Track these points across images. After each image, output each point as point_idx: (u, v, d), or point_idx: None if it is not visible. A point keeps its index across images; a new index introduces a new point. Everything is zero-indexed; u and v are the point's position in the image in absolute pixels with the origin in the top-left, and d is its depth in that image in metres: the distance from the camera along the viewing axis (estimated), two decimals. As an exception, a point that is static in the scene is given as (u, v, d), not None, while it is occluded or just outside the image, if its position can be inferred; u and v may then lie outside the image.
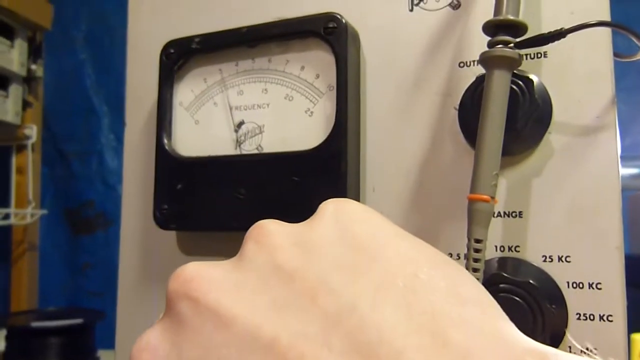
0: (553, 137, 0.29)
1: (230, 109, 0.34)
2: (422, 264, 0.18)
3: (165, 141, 0.36)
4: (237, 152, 0.35)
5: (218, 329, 0.17)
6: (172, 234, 0.38)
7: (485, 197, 0.25)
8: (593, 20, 0.26)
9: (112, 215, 1.24)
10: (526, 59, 0.29)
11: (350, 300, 0.16)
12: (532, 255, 0.28)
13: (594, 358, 0.19)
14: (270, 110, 0.34)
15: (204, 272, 0.19)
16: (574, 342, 0.26)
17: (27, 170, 1.02)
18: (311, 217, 0.20)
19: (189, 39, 0.36)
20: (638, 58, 0.28)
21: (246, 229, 0.34)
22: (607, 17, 0.27)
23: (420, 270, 0.17)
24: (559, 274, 0.28)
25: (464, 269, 0.19)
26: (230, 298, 0.18)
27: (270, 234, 0.20)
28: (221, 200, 0.34)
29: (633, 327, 0.27)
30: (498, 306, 0.17)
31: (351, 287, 0.17)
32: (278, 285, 0.18)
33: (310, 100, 0.33)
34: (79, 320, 0.88)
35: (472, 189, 0.25)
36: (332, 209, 0.20)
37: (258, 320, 0.17)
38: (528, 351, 0.15)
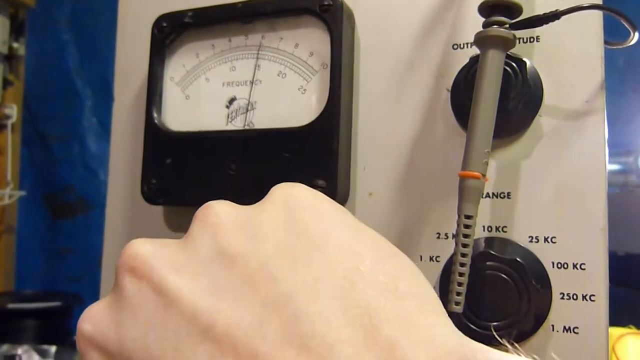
0: (543, 120, 0.29)
1: (253, 81, 0.34)
2: (365, 257, 0.18)
3: (155, 115, 0.36)
4: (228, 128, 0.34)
5: (157, 310, 0.18)
6: (159, 210, 0.38)
7: (476, 174, 0.25)
8: (586, 3, 0.26)
9: (93, 200, 1.22)
10: (519, 42, 0.29)
11: (288, 289, 0.17)
12: (519, 235, 0.29)
13: (521, 356, 0.20)
14: (263, 87, 0.34)
15: (150, 250, 0.19)
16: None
17: (6, 151, 1.00)
18: (261, 201, 0.20)
19: (182, 13, 0.36)
20: (627, 44, 0.28)
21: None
22: (599, 2, 0.28)
23: (362, 263, 0.17)
24: (545, 254, 0.28)
25: (409, 262, 0.19)
26: (171, 279, 0.18)
27: (216, 215, 0.20)
28: (211, 176, 0.34)
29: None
30: (437, 300, 0.18)
31: (291, 275, 0.17)
32: (219, 270, 0.18)
33: (304, 78, 0.33)
34: (56, 303, 0.87)
35: (464, 166, 0.26)
36: (282, 194, 0.20)
37: (196, 304, 0.17)
38: (451, 350, 0.15)
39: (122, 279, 0.19)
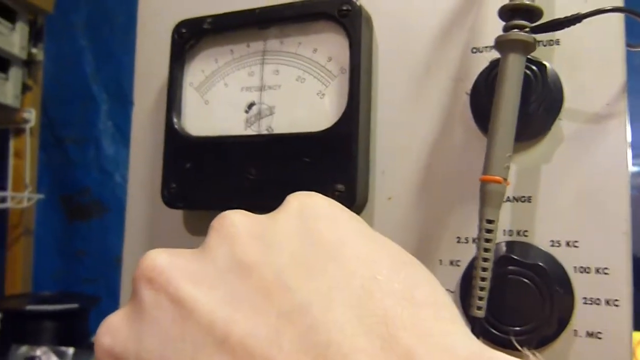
0: (563, 124, 0.29)
1: (262, 87, 0.34)
2: (381, 265, 0.18)
3: (175, 120, 0.36)
4: (247, 132, 0.35)
5: (175, 321, 0.18)
6: (178, 214, 0.38)
7: (498, 178, 0.25)
8: (608, 6, 0.26)
9: (108, 202, 1.23)
10: (539, 45, 0.29)
11: (304, 299, 0.17)
12: (540, 239, 0.29)
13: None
14: (282, 92, 0.34)
15: (167, 261, 0.20)
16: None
17: (24, 154, 1.01)
18: (276, 210, 0.20)
19: (201, 19, 0.36)
20: (650, 47, 0.28)
21: (255, 209, 0.34)
22: (621, 4, 0.27)
23: (379, 271, 0.17)
24: (567, 258, 0.28)
25: (425, 270, 0.19)
26: (188, 290, 0.18)
27: (232, 226, 0.20)
28: (230, 180, 0.34)
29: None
30: (453, 307, 0.18)
31: (306, 285, 0.17)
32: (235, 280, 0.18)
33: (322, 83, 0.33)
34: (74, 305, 0.88)
35: (485, 170, 0.26)
36: (297, 203, 0.20)
37: (213, 315, 0.17)
38: (469, 359, 0.15)
39: (140, 291, 0.19)
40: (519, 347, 0.26)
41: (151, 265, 0.20)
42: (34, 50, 1.00)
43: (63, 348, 0.81)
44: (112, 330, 0.20)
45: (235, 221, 0.20)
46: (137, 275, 0.20)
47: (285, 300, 0.17)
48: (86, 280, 1.20)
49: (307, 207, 0.20)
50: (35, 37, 1.01)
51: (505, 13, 0.27)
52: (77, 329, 0.88)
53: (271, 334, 0.16)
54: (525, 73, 0.27)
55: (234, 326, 0.17)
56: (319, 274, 0.17)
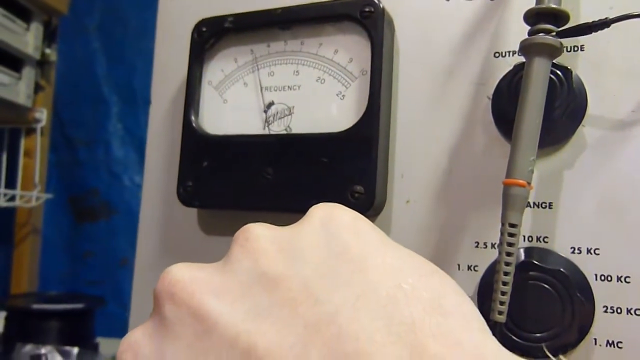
0: (586, 131, 0.29)
1: (261, 89, 0.34)
2: (407, 274, 0.18)
3: (193, 118, 0.36)
4: (266, 132, 0.35)
5: (198, 336, 0.18)
6: (192, 214, 0.38)
7: (521, 182, 0.25)
8: (637, 11, 0.26)
9: (116, 204, 1.24)
10: (563, 51, 0.29)
11: (331, 309, 0.16)
12: (561, 246, 0.28)
13: None
14: (301, 92, 0.34)
15: (189, 276, 0.19)
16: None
17: (35, 154, 1.02)
18: (299, 221, 0.20)
19: (222, 18, 0.36)
20: (676, 55, 0.28)
21: (272, 209, 0.33)
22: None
23: (405, 280, 0.17)
24: (587, 266, 0.28)
25: (451, 280, 0.19)
26: (212, 304, 0.18)
27: (256, 239, 0.20)
28: (247, 179, 0.34)
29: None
30: (481, 318, 0.18)
31: (333, 295, 0.17)
32: (260, 292, 0.18)
33: (343, 84, 0.33)
34: (79, 305, 0.87)
35: (509, 174, 0.25)
36: (321, 214, 0.20)
37: (237, 328, 0.17)
38: None
39: (162, 306, 0.19)
40: (551, 356, 0.26)
41: (173, 280, 0.19)
42: (47, 51, 1.01)
43: (67, 347, 0.81)
44: (134, 346, 0.19)
45: (259, 234, 0.20)
46: (158, 291, 0.20)
47: (312, 311, 0.17)
48: (92, 283, 1.20)
49: (330, 218, 0.20)
50: (49, 37, 1.02)
51: (531, 17, 0.27)
52: (82, 329, 0.87)
53: (298, 345, 0.16)
54: (550, 78, 0.27)
55: (259, 338, 0.16)
56: (345, 284, 0.17)
